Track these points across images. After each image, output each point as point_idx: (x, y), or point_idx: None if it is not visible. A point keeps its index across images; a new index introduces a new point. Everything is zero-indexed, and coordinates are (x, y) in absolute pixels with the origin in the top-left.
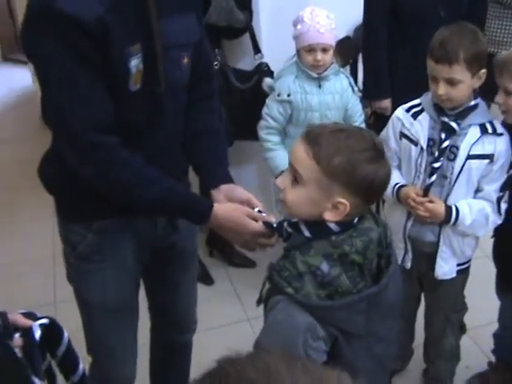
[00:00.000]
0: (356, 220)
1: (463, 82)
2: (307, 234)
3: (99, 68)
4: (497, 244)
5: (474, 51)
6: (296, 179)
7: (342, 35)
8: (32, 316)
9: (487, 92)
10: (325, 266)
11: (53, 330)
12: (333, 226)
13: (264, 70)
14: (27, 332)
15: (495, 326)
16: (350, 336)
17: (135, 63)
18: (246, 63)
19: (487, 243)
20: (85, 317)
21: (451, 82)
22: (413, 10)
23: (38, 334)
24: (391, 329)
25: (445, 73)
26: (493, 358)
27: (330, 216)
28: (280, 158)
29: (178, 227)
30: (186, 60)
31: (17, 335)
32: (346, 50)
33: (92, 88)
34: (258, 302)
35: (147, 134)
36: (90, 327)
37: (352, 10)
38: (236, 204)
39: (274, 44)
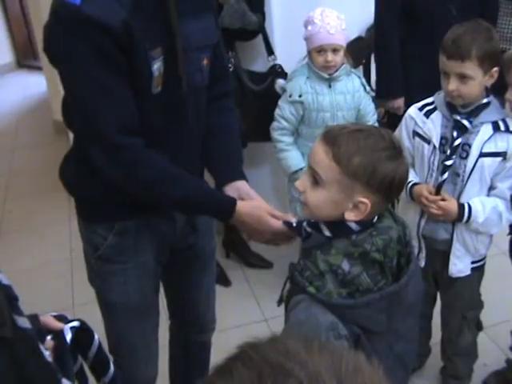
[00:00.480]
0: (375, 219)
1: (474, 78)
2: (327, 233)
3: (125, 71)
4: None
5: (487, 49)
6: (316, 181)
7: (354, 35)
8: (63, 319)
9: (502, 89)
10: (346, 265)
11: (83, 333)
12: (353, 225)
13: (278, 72)
14: (58, 335)
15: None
16: (372, 334)
17: (157, 66)
18: (260, 65)
19: (503, 240)
20: (107, 317)
21: (462, 78)
22: (425, 9)
23: (69, 336)
24: (412, 327)
25: (456, 68)
26: (511, 355)
27: (351, 216)
28: (293, 158)
29: (196, 227)
30: (205, 61)
31: (48, 338)
32: (358, 50)
33: (120, 91)
34: (279, 302)
35: (169, 135)
36: (112, 327)
37: (364, 10)
38: (258, 201)
39: (287, 45)
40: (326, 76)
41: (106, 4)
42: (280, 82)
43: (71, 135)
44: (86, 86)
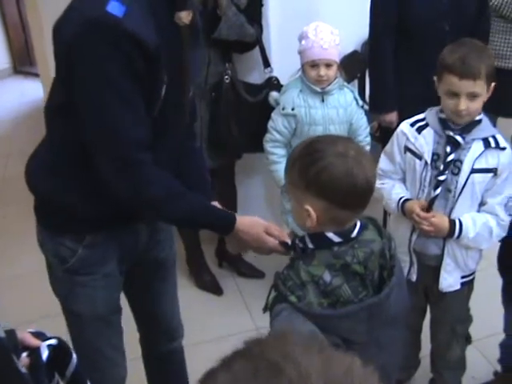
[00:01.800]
0: (357, 231)
1: (482, 96)
2: (311, 245)
3: (145, 90)
4: (503, 254)
5: (491, 67)
6: None
7: (350, 50)
8: (41, 336)
9: (495, 105)
10: (327, 276)
11: (61, 351)
12: (331, 235)
13: (274, 84)
14: (34, 352)
15: (500, 337)
16: (353, 345)
17: (163, 92)
18: (256, 77)
19: (493, 254)
20: (74, 326)
21: (472, 97)
22: (418, 25)
23: (45, 354)
24: (395, 339)
25: (469, 88)
26: (498, 368)
27: (308, 224)
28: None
29: (159, 239)
30: (191, 94)
31: (24, 354)
32: (353, 64)
33: (140, 107)
34: (264, 310)
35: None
36: (79, 335)
37: (360, 25)
38: (256, 218)
39: (283, 58)
40: (319, 90)
41: (144, 25)
42: (274, 94)
43: None
44: (111, 97)
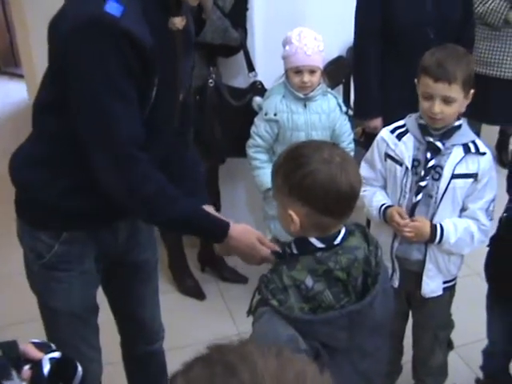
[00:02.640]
0: (341, 237)
1: (457, 101)
2: (295, 250)
3: (139, 90)
4: (491, 259)
5: (469, 73)
6: None
7: (334, 55)
8: (45, 347)
9: (479, 112)
10: (309, 281)
11: (64, 365)
12: (314, 241)
13: (258, 88)
14: (36, 365)
15: (483, 343)
16: (334, 351)
17: (153, 94)
18: (240, 81)
19: (475, 261)
20: (49, 322)
21: (447, 101)
22: (403, 31)
23: (46, 368)
24: (380, 346)
25: (443, 91)
26: (480, 375)
27: (292, 229)
28: (267, 175)
29: (139, 240)
30: (181, 98)
31: (26, 367)
32: (338, 69)
33: (135, 105)
34: (248, 313)
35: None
36: (55, 332)
37: (345, 30)
38: (248, 226)
39: (268, 62)
40: (302, 96)
41: (141, 25)
42: (257, 99)
43: None
44: (108, 94)
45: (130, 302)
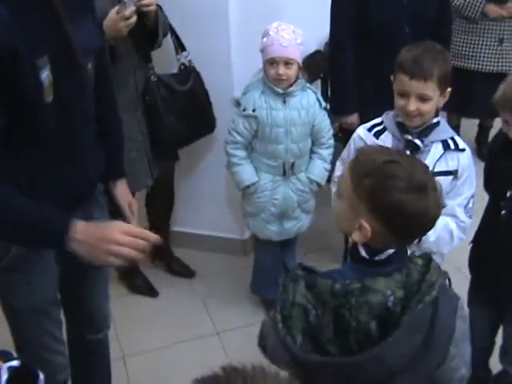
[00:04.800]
0: (388, 254)
1: (433, 99)
2: (364, 253)
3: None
4: (474, 255)
5: (445, 71)
6: (340, 191)
7: (312, 49)
8: (5, 355)
9: (458, 106)
10: (319, 310)
11: (24, 374)
12: (361, 249)
13: (193, 67)
14: None
15: None
16: None
17: (46, 75)
18: (174, 67)
19: (456, 256)
20: (13, 321)
21: (422, 99)
22: (378, 26)
23: (4, 377)
24: None
25: (419, 89)
26: None
27: (355, 236)
28: (246, 172)
29: None
30: (90, 66)
31: None
32: (316, 63)
33: None
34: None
35: (59, 142)
36: (19, 329)
37: (322, 25)
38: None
39: (244, 58)
40: (281, 91)
41: None
42: (235, 95)
43: None
44: None
45: (80, 289)
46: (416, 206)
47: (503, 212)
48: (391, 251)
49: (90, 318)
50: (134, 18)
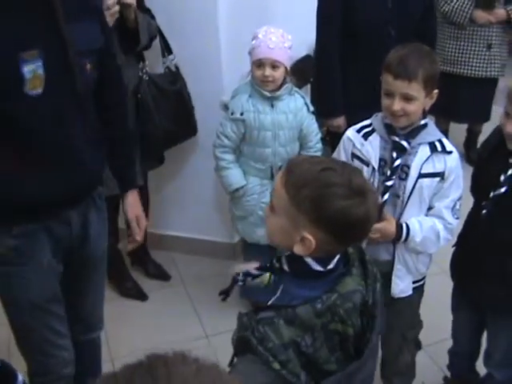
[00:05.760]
0: (336, 260)
1: (418, 99)
2: (286, 267)
3: None
4: (457, 257)
5: (431, 72)
6: (273, 206)
7: (303, 54)
8: None
9: (446, 110)
10: (309, 339)
11: (3, 374)
12: (310, 261)
13: (178, 70)
14: None
15: (450, 342)
16: None
17: (31, 68)
18: (160, 68)
19: (444, 259)
20: (13, 315)
21: (407, 99)
22: (363, 29)
23: None
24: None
25: (403, 88)
26: (448, 374)
27: (298, 249)
28: (234, 176)
29: (90, 233)
30: (88, 66)
31: None
32: (306, 68)
33: None
34: (230, 364)
35: (49, 136)
36: (19, 323)
37: (313, 29)
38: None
39: (233, 62)
40: (268, 95)
41: None
42: (223, 98)
43: None
44: None
45: (74, 289)
46: (359, 210)
47: (484, 211)
48: (337, 256)
49: (79, 318)
50: (116, 7)
